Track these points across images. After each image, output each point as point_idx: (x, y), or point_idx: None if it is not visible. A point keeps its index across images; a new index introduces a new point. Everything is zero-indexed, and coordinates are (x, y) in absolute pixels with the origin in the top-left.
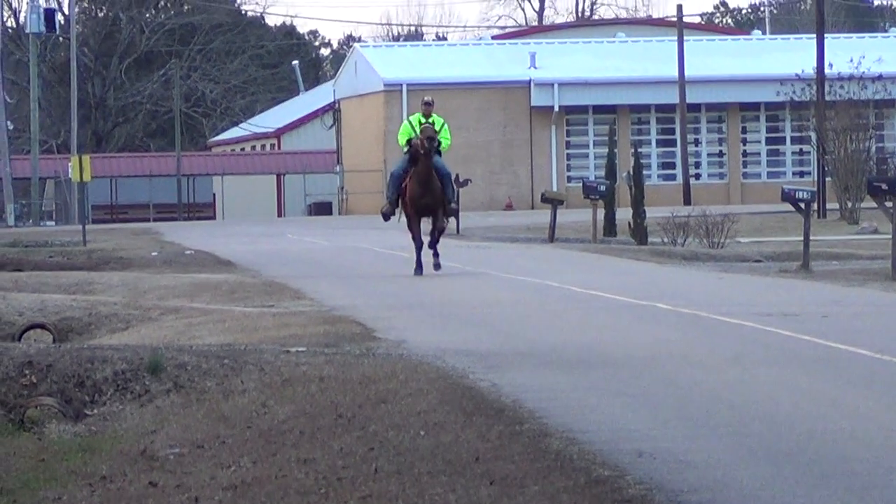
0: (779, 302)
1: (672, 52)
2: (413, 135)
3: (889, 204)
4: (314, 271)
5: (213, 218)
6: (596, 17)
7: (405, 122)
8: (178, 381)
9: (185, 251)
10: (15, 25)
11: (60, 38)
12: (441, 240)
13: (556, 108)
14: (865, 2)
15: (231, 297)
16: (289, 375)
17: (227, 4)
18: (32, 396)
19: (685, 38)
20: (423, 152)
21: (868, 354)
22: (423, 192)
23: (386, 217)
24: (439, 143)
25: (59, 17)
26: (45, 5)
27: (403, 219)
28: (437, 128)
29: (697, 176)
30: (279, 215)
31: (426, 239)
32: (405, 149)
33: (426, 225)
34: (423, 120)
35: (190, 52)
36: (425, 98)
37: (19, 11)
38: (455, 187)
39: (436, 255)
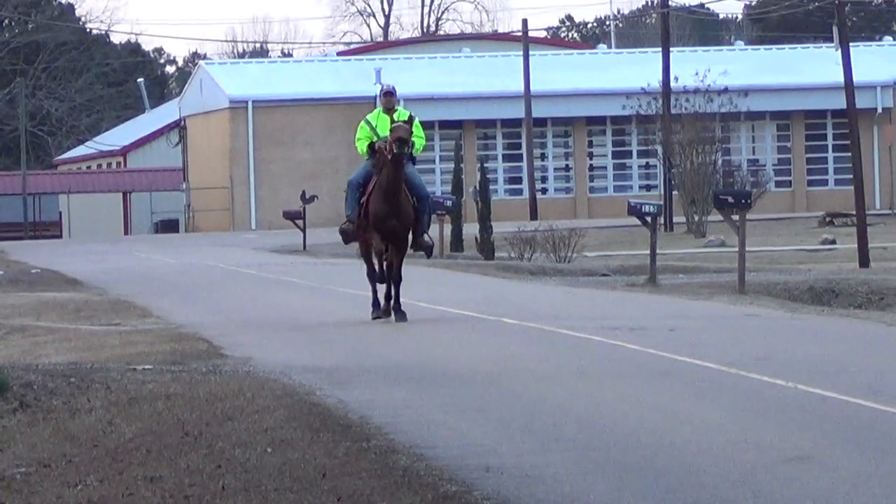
0: (626, 316)
1: (518, 67)
2: (374, 137)
3: (735, 217)
4: (161, 289)
5: (60, 236)
6: (441, 32)
7: (362, 121)
8: (24, 401)
9: (31, 270)
10: None
11: None
12: (286, 256)
13: None
14: (711, 15)
15: (77, 315)
16: (135, 393)
17: (72, 23)
18: None
19: (531, 52)
20: (392, 158)
21: (715, 367)
22: (390, 209)
23: (346, 237)
24: (412, 146)
25: None
26: None
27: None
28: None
29: (544, 190)
30: (126, 233)
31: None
32: (366, 156)
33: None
34: (386, 116)
35: (35, 71)
36: (385, 87)
37: None
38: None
39: (397, 301)
